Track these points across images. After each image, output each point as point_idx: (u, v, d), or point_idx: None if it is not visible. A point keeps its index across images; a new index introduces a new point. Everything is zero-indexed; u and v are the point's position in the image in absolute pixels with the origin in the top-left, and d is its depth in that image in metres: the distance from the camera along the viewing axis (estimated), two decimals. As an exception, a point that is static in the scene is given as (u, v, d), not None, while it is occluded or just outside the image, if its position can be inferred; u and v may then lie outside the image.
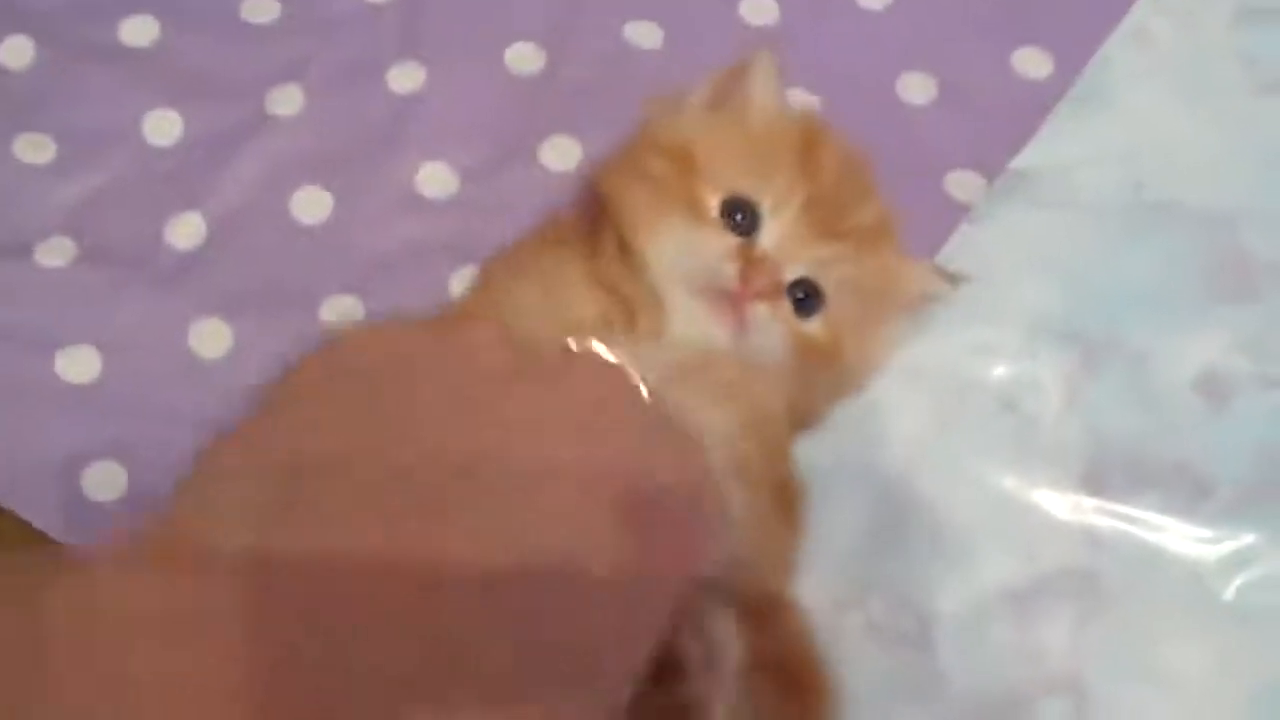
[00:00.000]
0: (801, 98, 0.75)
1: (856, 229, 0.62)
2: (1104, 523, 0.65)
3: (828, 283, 0.61)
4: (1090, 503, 0.66)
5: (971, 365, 0.69)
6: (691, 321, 0.59)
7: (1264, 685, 0.63)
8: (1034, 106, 0.76)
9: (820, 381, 0.63)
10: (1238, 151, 0.75)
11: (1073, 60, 0.77)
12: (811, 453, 0.64)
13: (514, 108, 0.76)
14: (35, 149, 0.74)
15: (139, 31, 0.78)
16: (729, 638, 0.51)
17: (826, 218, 0.61)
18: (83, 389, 0.68)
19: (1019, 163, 0.74)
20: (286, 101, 0.76)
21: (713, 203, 0.60)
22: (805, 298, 0.61)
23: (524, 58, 0.77)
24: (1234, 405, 0.68)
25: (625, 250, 0.60)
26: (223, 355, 0.69)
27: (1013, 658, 0.63)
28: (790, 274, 0.60)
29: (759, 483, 0.56)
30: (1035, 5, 0.79)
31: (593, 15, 0.78)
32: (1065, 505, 0.66)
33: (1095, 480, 0.66)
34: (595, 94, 0.76)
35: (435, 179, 0.74)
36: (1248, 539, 0.65)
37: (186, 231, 0.72)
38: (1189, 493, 0.66)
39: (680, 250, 0.60)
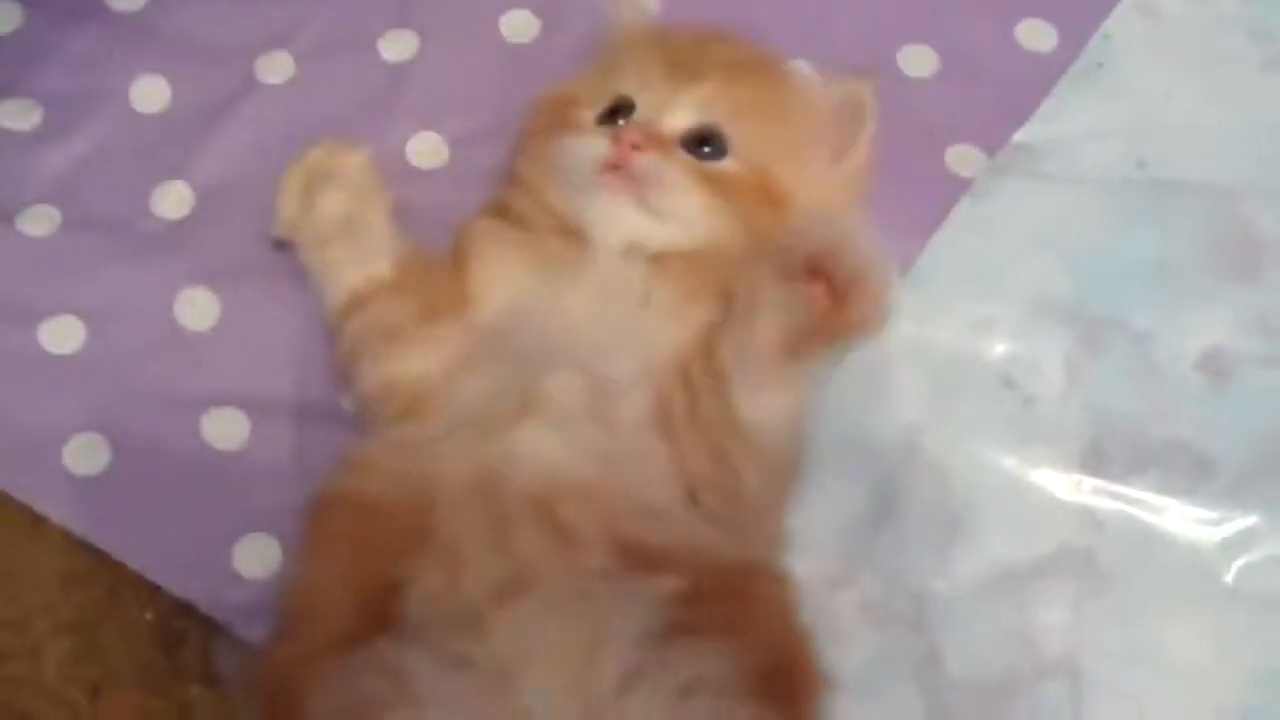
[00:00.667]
0: (802, 70, 0.73)
1: (719, 63, 0.63)
2: (1104, 503, 0.65)
3: (723, 121, 0.62)
4: (1090, 482, 0.65)
5: (971, 342, 0.68)
6: (599, 215, 0.60)
7: (1263, 668, 0.62)
8: (1037, 80, 0.74)
9: (774, 225, 0.61)
10: (1244, 128, 0.74)
11: (1077, 33, 0.76)
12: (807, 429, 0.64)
13: (508, 77, 0.75)
14: (21, 114, 0.73)
15: (126, -5, 0.77)
16: None
17: (688, 66, 0.62)
18: (66, 360, 0.67)
19: (1021, 137, 0.73)
20: (276, 69, 0.75)
21: (588, 119, 0.64)
22: (706, 140, 0.61)
23: (518, 26, 0.76)
24: (1237, 385, 0.67)
25: (543, 206, 0.62)
26: (209, 326, 0.68)
27: (1009, 639, 0.62)
28: (673, 124, 0.61)
29: None
30: (1040, -24, 0.78)
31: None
32: (1065, 485, 0.65)
33: (1095, 460, 0.65)
34: (589, 63, 0.74)
35: (427, 148, 0.73)
36: (1249, 521, 0.64)
37: (173, 200, 0.71)
38: (1190, 473, 0.65)
39: (563, 160, 0.62)
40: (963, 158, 0.72)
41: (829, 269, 0.52)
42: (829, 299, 0.52)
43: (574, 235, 0.61)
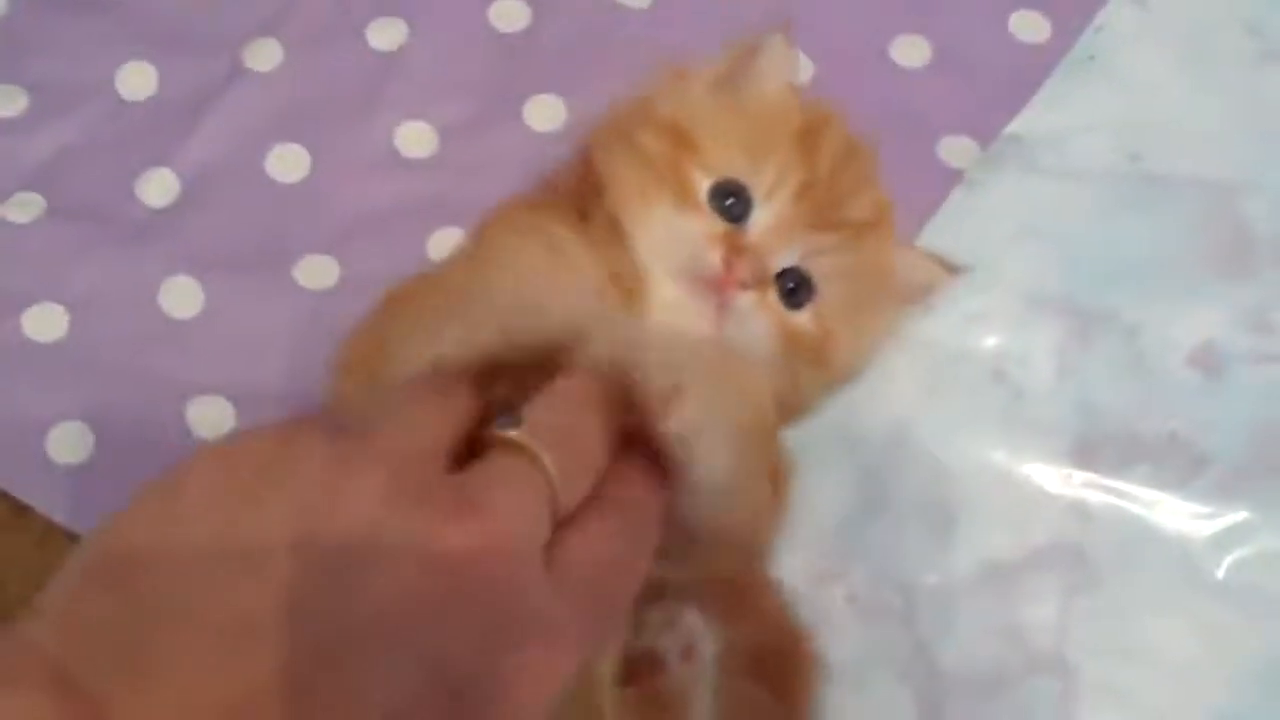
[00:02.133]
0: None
1: (852, 219, 0.60)
2: (1094, 497, 0.64)
3: (819, 273, 0.59)
4: (1081, 476, 0.65)
5: (962, 335, 0.67)
6: (673, 307, 0.57)
7: (1253, 664, 0.62)
8: (1030, 71, 0.74)
9: (810, 375, 0.60)
10: (1238, 122, 0.73)
11: (1070, 25, 0.75)
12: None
13: (497, 66, 0.74)
14: (6, 101, 0.73)
15: (114, -17, 0.76)
16: (701, 630, 0.50)
17: (821, 207, 0.59)
18: (49, 348, 0.67)
19: (1014, 129, 0.72)
20: (264, 56, 0.74)
21: (704, 186, 0.58)
22: (795, 288, 0.59)
23: (508, 15, 0.75)
24: (1229, 380, 0.67)
25: (613, 224, 0.58)
26: (194, 315, 0.68)
27: (999, 633, 0.62)
28: (779, 263, 0.58)
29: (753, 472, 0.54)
30: (1033, -33, 0.77)
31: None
32: (1055, 478, 0.65)
33: (1086, 454, 0.65)
34: (580, 53, 0.74)
35: (415, 138, 0.72)
36: (1240, 516, 0.64)
37: (159, 188, 0.70)
38: (1182, 468, 0.65)
39: (666, 233, 0.58)
40: (955, 149, 0.72)
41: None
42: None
43: (630, 284, 0.57)
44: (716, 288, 0.56)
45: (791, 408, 0.61)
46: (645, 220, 0.58)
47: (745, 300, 0.56)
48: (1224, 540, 0.64)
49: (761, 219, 0.58)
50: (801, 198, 0.58)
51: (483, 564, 0.37)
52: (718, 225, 0.58)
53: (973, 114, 0.73)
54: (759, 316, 0.57)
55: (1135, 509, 0.64)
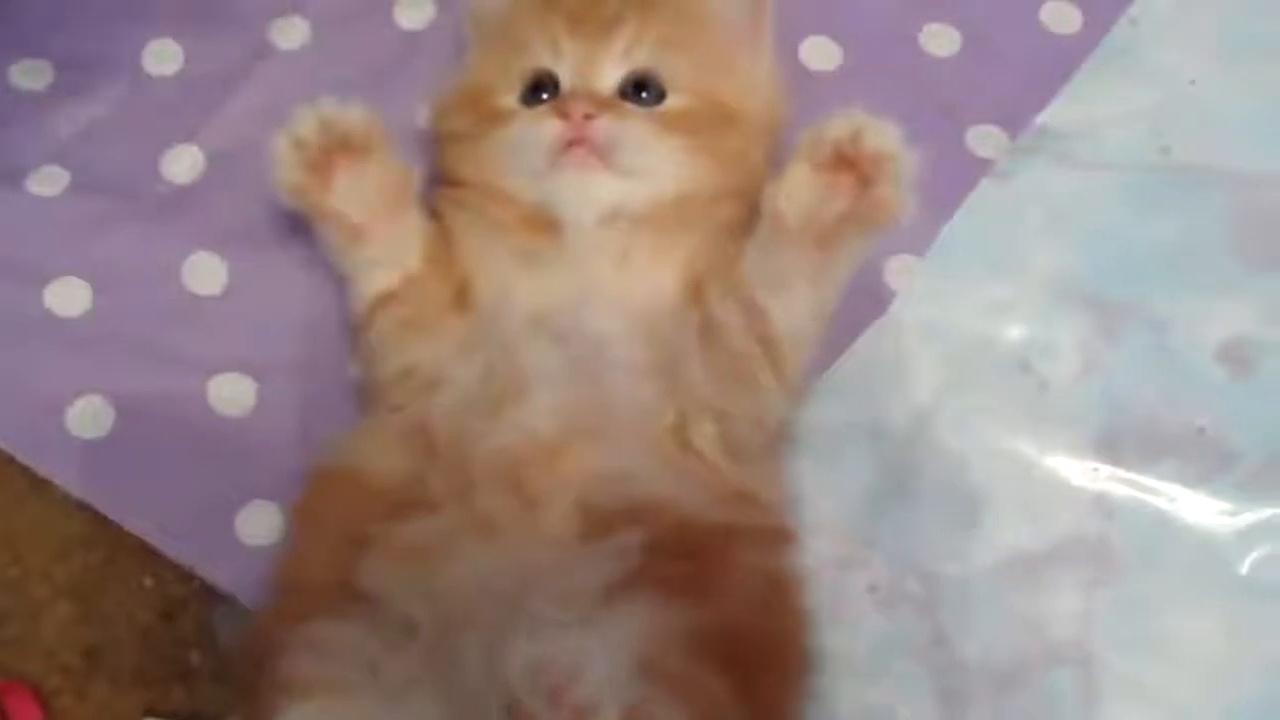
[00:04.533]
0: (824, 46, 0.73)
1: (630, 4, 0.62)
2: (1118, 490, 0.64)
3: (652, 61, 0.61)
4: (1105, 470, 0.64)
5: (987, 324, 0.67)
6: (571, 195, 0.59)
7: (1276, 660, 0.61)
8: (1061, 62, 0.73)
9: (741, 143, 0.62)
10: (1270, 115, 0.72)
11: (1102, 16, 0.74)
12: (819, 409, 0.63)
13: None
14: (33, 75, 0.73)
15: (142, -42, 0.76)
16: (584, 651, 0.49)
17: (592, 18, 0.61)
18: (71, 323, 0.67)
19: (1044, 119, 0.72)
20: (290, 33, 0.74)
21: (512, 103, 0.62)
22: (640, 86, 0.61)
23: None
24: (1257, 376, 0.66)
25: (492, 195, 0.61)
26: (217, 291, 0.68)
27: (1019, 625, 0.62)
28: (606, 82, 0.60)
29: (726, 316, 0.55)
30: (1066, -43, 0.76)
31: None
32: (1079, 471, 0.64)
33: (1111, 447, 0.65)
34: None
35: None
36: (1265, 513, 0.64)
37: (184, 164, 0.71)
38: (1207, 464, 0.64)
39: (513, 152, 0.60)
40: (983, 138, 0.71)
41: (854, 154, 0.52)
42: (856, 184, 0.52)
43: (543, 221, 0.59)
44: (573, 142, 0.58)
45: (747, 192, 0.61)
46: (509, 168, 0.61)
47: (604, 125, 0.58)
48: (1248, 536, 0.63)
49: (563, 72, 0.61)
50: (574, 28, 0.61)
51: None
52: (540, 110, 0.60)
53: (1002, 104, 0.72)
54: (633, 129, 0.59)
55: (1160, 504, 0.64)
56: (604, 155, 0.58)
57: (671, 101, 0.61)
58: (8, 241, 0.68)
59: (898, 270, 0.68)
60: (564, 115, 0.58)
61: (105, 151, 0.71)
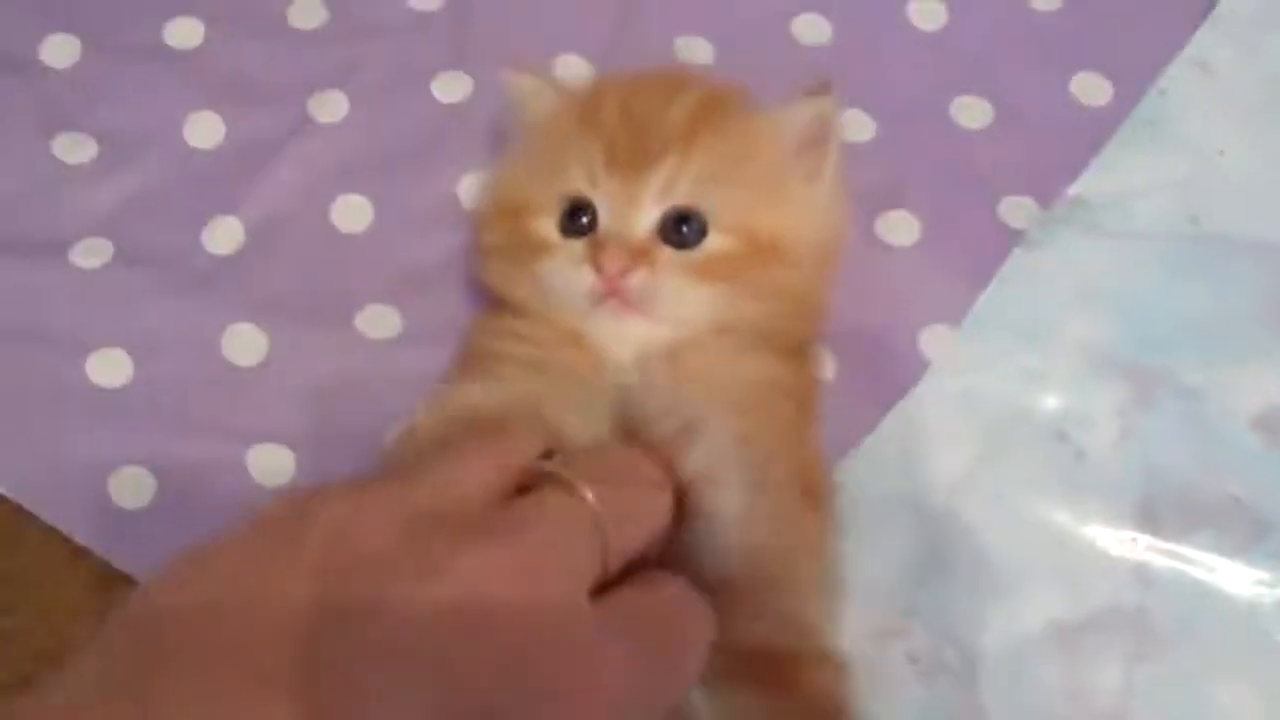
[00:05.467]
0: (856, 118, 0.74)
1: (670, 133, 0.60)
2: (1156, 560, 0.63)
3: (693, 197, 0.59)
4: (1143, 540, 0.64)
5: (1022, 393, 0.67)
6: (607, 337, 0.59)
7: (1318, 733, 0.61)
8: (1091, 133, 0.74)
9: (782, 275, 0.60)
10: (1299, 185, 0.73)
11: (1132, 87, 0.75)
12: (855, 479, 0.63)
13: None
14: (75, 148, 0.74)
15: (184, 33, 0.77)
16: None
17: (634, 149, 0.60)
18: (113, 393, 0.67)
19: (1075, 190, 0.72)
20: (330, 107, 0.75)
21: (550, 229, 0.61)
22: (680, 226, 0.59)
23: (572, 70, 0.76)
24: (1293, 445, 0.66)
25: (533, 318, 0.61)
26: (257, 362, 0.68)
27: (1059, 697, 0.61)
28: (644, 223, 0.59)
29: (772, 467, 0.53)
30: (1095, 30, 0.77)
31: (643, 28, 0.77)
32: (1116, 541, 0.64)
33: (1148, 517, 0.64)
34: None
35: (478, 189, 0.72)
36: (1305, 583, 0.63)
37: (224, 236, 0.71)
38: (1245, 533, 0.64)
39: (552, 289, 0.60)
40: (1015, 209, 0.71)
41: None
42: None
43: (583, 344, 0.59)
44: (608, 294, 0.58)
45: (803, 321, 0.62)
46: (549, 300, 0.60)
47: (639, 282, 0.57)
48: (1288, 607, 0.63)
49: (604, 205, 0.59)
50: (613, 160, 0.59)
51: (511, 587, 0.36)
52: (578, 247, 0.59)
53: (1034, 175, 0.73)
54: (668, 283, 0.58)
55: (1198, 574, 0.63)
56: (639, 307, 0.58)
57: (712, 241, 0.59)
58: (50, 312, 0.69)
59: (932, 340, 0.68)
60: (599, 268, 0.58)
61: (146, 223, 0.72)
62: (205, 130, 0.74)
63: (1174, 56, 0.76)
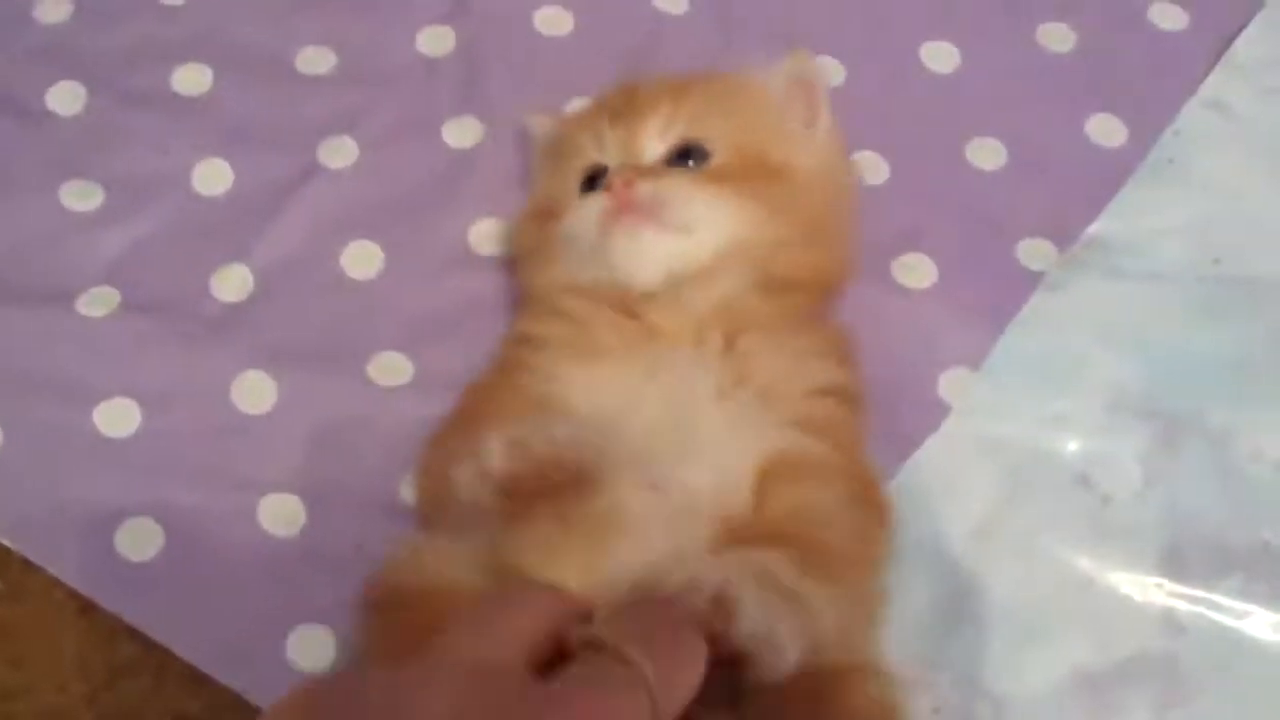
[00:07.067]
0: (871, 161, 0.73)
1: (665, 90, 0.63)
2: (1184, 607, 0.62)
3: (693, 130, 0.62)
4: (1169, 586, 0.63)
5: (1045, 438, 0.66)
6: (627, 257, 0.59)
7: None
8: (1108, 175, 0.74)
9: (796, 195, 0.62)
10: (1318, 225, 0.72)
11: (1148, 128, 0.75)
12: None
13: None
14: (82, 196, 0.73)
15: (191, 80, 0.77)
16: None
17: (632, 107, 0.63)
18: (120, 443, 0.66)
19: (1093, 231, 0.72)
20: (339, 153, 0.75)
21: (571, 195, 0.64)
22: (688, 156, 0.62)
23: (583, 113, 0.75)
24: (1320, 488, 0.65)
25: (573, 290, 0.61)
26: (266, 411, 0.67)
27: (1090, 747, 0.60)
28: (650, 157, 0.62)
29: (829, 463, 0.55)
30: (1109, 72, 0.78)
31: (649, 74, 0.76)
32: (1143, 588, 0.63)
33: (1175, 563, 0.63)
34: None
35: (489, 235, 0.72)
36: (1333, 628, 0.62)
37: (233, 283, 0.71)
38: (1274, 579, 0.63)
39: (569, 237, 0.62)
40: (1034, 251, 0.71)
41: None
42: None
43: (631, 318, 0.59)
44: (620, 209, 0.59)
45: (817, 245, 0.62)
46: (572, 254, 0.62)
47: (646, 187, 0.59)
48: (1318, 653, 0.62)
49: (610, 159, 0.63)
50: (615, 118, 0.63)
51: None
52: (591, 197, 0.62)
53: (1051, 217, 0.72)
54: (677, 186, 0.60)
55: (1227, 620, 0.62)
56: (650, 215, 0.59)
57: (717, 159, 0.62)
58: (57, 362, 0.68)
59: (952, 384, 0.67)
60: (608, 189, 0.60)
61: (155, 271, 0.71)
62: (214, 177, 0.74)
63: (1189, 97, 0.76)
